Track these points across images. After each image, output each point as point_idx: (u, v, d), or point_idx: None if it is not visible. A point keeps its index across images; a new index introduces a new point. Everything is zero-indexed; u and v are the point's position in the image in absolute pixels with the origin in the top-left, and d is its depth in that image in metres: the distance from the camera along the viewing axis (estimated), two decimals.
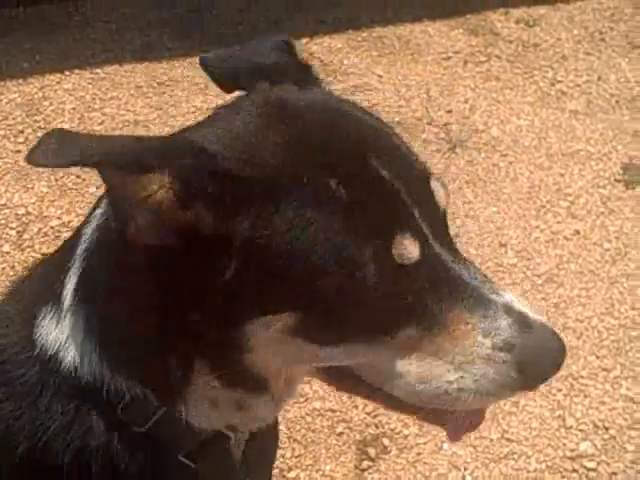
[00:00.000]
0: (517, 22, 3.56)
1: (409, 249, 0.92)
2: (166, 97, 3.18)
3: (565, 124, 3.00)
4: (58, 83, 3.25)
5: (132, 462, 1.03)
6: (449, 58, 3.36)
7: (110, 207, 0.97)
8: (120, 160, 0.86)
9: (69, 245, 1.07)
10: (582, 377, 2.16)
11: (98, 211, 1.04)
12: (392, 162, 0.98)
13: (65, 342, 1.02)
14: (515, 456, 1.99)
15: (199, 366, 1.01)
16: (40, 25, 3.63)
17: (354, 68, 3.31)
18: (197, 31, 3.52)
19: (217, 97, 3.16)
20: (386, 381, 0.98)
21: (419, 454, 2.01)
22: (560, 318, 2.30)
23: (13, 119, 3.07)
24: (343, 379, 1.04)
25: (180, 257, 0.92)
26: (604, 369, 2.18)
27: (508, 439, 2.03)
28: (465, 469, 1.97)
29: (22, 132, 3.01)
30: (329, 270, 0.90)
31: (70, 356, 1.01)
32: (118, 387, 1.00)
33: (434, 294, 0.94)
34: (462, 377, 0.95)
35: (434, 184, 1.02)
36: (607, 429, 2.03)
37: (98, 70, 3.31)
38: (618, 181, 2.74)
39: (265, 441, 1.21)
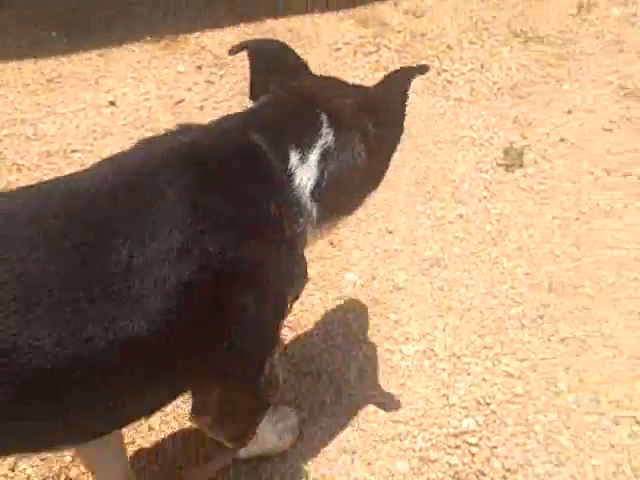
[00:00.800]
0: (405, 12, 3.64)
1: None
2: (55, 94, 3.13)
3: (450, 111, 3.09)
4: None
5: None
6: (339, 49, 3.41)
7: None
8: None
9: (310, 118, 1.66)
10: (465, 355, 2.25)
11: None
12: None
13: (303, 174, 1.60)
14: (402, 436, 2.06)
15: None
16: None
17: (246, 61, 3.31)
18: (84, 26, 3.47)
19: (107, 93, 3.13)
20: None
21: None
22: (444, 300, 2.39)
23: None
24: None
25: None
26: (485, 347, 2.27)
27: (396, 421, 2.10)
28: (354, 452, 2.03)
29: None
30: None
31: (298, 179, 1.60)
32: (309, 208, 1.62)
33: None
34: None
35: None
36: (488, 404, 2.13)
37: None
38: (499, 165, 2.85)
39: None
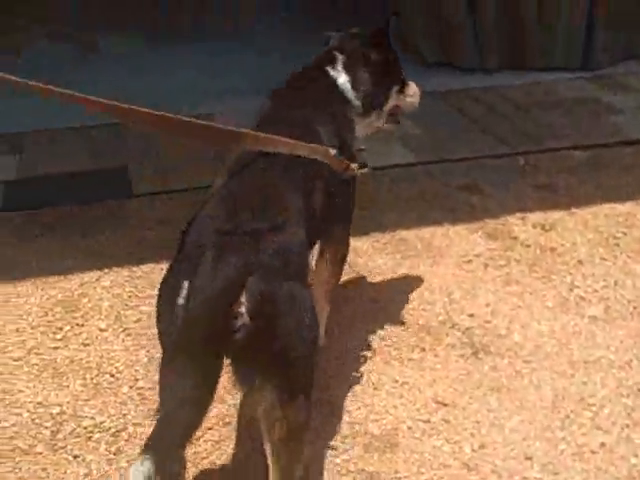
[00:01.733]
0: (534, 226, 3.75)
1: None
2: None
3: (585, 330, 3.08)
4: (97, 280, 3.42)
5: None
6: (470, 261, 3.51)
7: None
8: None
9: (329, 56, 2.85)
10: None
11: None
12: None
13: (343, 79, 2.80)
14: None
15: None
16: (84, 222, 3.87)
17: (379, 269, 3.46)
18: None
19: None
20: None
21: None
22: None
23: (52, 316, 3.21)
24: None
25: None
26: None
27: None
28: None
29: (61, 329, 3.14)
30: None
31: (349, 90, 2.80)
32: (353, 98, 2.80)
33: None
34: None
35: None
36: None
37: (135, 268, 3.49)
38: None
39: None
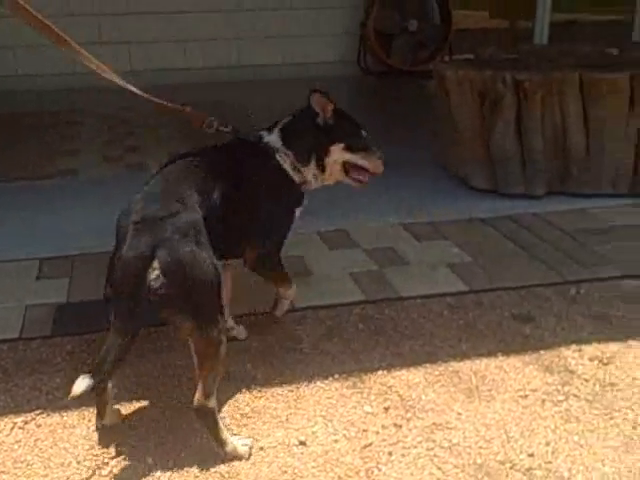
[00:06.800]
0: (591, 359, 3.63)
1: None
2: (247, 430, 3.23)
3: None
4: (136, 413, 3.35)
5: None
6: (526, 396, 3.39)
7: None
8: None
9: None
10: None
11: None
12: None
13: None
14: None
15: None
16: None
17: (432, 404, 3.36)
18: (278, 360, 3.68)
19: (297, 431, 3.20)
20: None
21: None
22: None
23: (99, 449, 3.14)
24: None
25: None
26: None
27: None
28: None
29: (107, 464, 3.06)
30: None
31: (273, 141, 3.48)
32: (288, 155, 3.47)
33: None
34: None
35: None
36: None
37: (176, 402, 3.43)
38: None
39: None
